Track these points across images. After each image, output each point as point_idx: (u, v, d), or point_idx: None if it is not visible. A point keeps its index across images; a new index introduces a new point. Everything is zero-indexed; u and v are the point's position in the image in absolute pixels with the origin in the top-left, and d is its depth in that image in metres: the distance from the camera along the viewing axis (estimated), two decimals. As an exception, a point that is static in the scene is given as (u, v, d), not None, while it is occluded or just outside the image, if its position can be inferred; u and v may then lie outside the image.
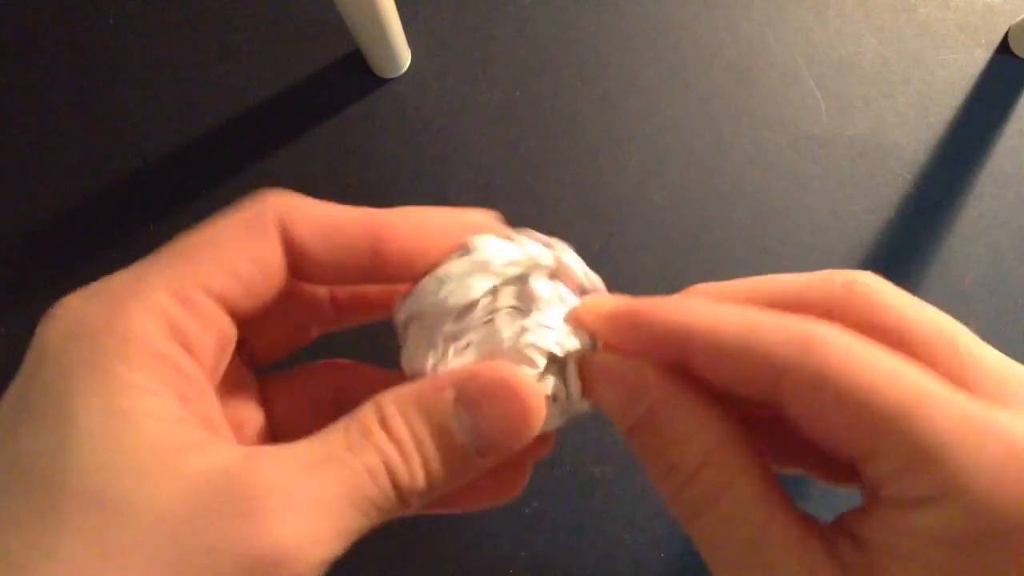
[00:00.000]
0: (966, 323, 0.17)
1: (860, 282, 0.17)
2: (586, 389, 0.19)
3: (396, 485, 0.16)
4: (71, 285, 0.16)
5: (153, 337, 0.15)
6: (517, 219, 0.20)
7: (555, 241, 0.21)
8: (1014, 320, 0.59)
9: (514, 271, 0.19)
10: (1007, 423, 0.14)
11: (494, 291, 0.19)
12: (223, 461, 0.14)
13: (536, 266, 0.20)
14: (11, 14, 0.67)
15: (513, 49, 0.65)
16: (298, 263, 0.18)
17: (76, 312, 0.15)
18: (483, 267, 0.19)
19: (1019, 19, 0.65)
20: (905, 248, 0.61)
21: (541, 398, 0.18)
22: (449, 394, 0.17)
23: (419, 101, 0.64)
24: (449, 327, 0.19)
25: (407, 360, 0.20)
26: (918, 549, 0.14)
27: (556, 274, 0.20)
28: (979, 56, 0.66)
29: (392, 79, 0.64)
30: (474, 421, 0.17)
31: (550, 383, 0.19)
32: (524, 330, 0.19)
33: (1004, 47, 0.66)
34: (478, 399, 0.17)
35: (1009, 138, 0.63)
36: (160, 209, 0.61)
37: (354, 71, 0.64)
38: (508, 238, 0.20)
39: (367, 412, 0.17)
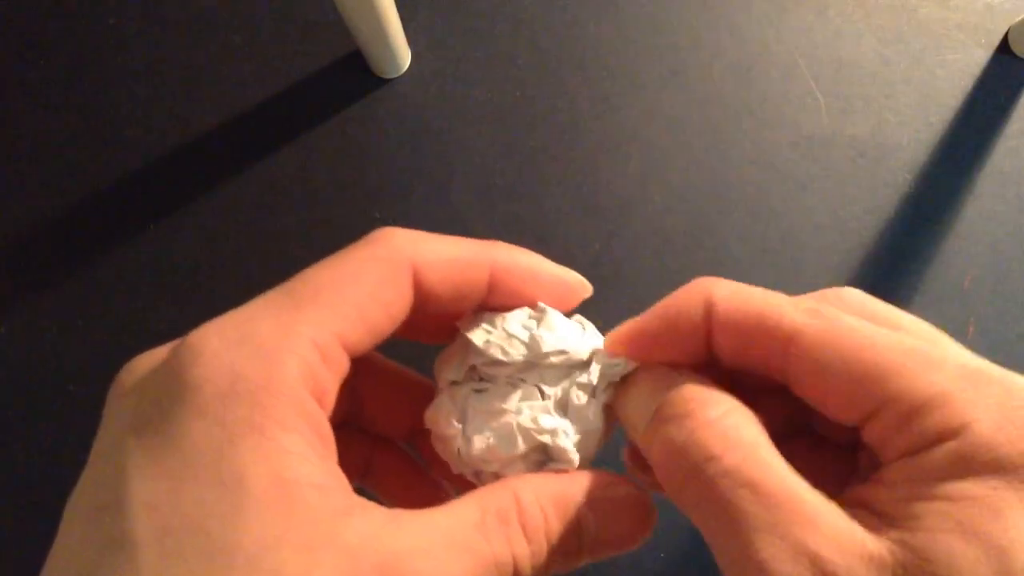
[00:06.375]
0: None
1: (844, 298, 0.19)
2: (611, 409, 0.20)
3: (516, 575, 0.17)
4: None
5: (303, 398, 0.16)
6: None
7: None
8: (1014, 320, 0.59)
9: (557, 360, 0.20)
10: (1000, 371, 0.16)
11: (530, 365, 0.20)
12: (372, 529, 0.15)
13: (581, 365, 0.20)
14: (11, 14, 0.67)
15: (513, 49, 0.65)
16: (417, 302, 0.19)
17: (229, 363, 0.15)
18: (535, 342, 0.20)
19: (1019, 19, 0.65)
20: (905, 248, 0.61)
21: (656, 515, 0.19)
22: (585, 497, 0.18)
23: (419, 101, 0.64)
24: (477, 362, 0.20)
25: (437, 411, 0.20)
26: (928, 496, 0.15)
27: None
28: (979, 56, 0.66)
29: (392, 79, 0.64)
30: (599, 526, 0.18)
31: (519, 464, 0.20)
32: (539, 427, 0.19)
33: (1004, 47, 0.66)
34: (611, 508, 0.18)
35: (1009, 138, 0.63)
36: (160, 209, 0.61)
37: (354, 71, 0.64)
38: (580, 323, 0.21)
39: (505, 498, 0.17)
